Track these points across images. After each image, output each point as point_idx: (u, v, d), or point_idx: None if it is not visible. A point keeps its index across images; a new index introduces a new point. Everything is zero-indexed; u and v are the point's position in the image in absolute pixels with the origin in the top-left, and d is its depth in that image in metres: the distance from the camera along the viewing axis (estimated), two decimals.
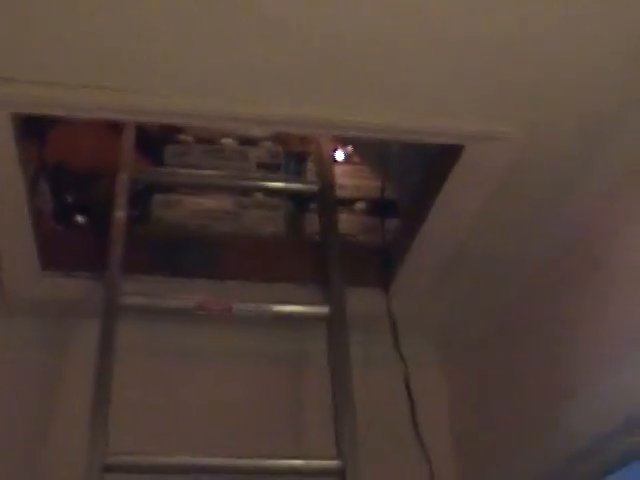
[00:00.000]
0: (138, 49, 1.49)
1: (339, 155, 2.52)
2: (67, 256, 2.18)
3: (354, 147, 2.40)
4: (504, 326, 2.15)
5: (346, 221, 2.40)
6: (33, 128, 2.24)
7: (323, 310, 2.07)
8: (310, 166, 2.50)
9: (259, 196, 2.40)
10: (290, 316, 2.12)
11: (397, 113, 1.63)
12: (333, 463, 1.85)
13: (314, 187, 2.29)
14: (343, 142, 2.47)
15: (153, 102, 1.58)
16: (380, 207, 2.34)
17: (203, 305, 2.02)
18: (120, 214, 2.15)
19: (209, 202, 2.38)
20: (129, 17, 1.42)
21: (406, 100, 1.61)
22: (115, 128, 2.36)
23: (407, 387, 2.12)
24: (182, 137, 2.49)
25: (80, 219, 2.43)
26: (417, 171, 2.04)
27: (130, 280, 2.10)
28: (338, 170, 2.46)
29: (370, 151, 2.18)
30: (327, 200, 2.25)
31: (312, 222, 2.40)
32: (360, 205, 2.46)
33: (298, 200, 2.47)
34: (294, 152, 2.54)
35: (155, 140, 2.53)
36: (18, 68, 1.53)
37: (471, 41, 1.48)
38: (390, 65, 1.53)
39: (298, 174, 2.52)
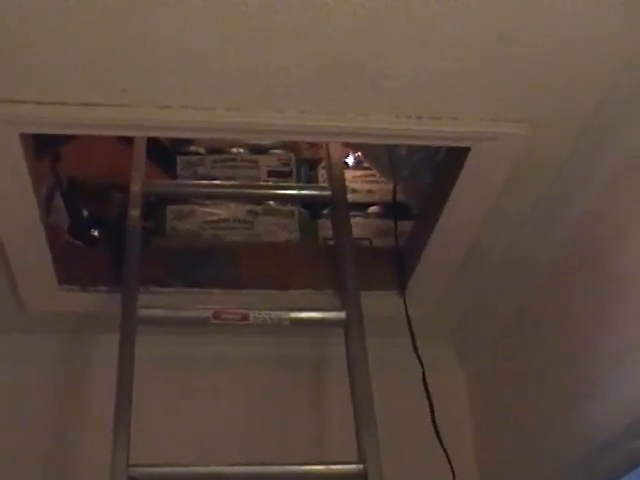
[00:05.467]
0: (141, 64, 1.50)
1: (350, 160, 2.54)
2: (83, 270, 2.20)
3: (363, 152, 2.41)
4: (520, 323, 2.15)
5: (360, 225, 2.42)
6: (45, 145, 2.28)
7: (340, 315, 2.07)
8: (321, 172, 2.52)
9: (272, 204, 2.42)
10: (307, 322, 2.12)
11: (400, 118, 1.63)
12: (355, 467, 1.85)
13: (326, 193, 2.29)
14: (353, 147, 2.48)
15: (159, 117, 1.59)
16: (393, 210, 2.34)
17: (219, 314, 2.02)
18: (134, 226, 2.16)
19: (222, 212, 2.39)
20: (131, 32, 1.43)
21: (409, 104, 1.62)
22: (127, 141, 2.38)
23: (425, 389, 2.11)
24: (193, 148, 2.51)
25: (96, 233, 2.44)
26: (426, 174, 2.05)
27: (147, 292, 2.12)
28: (350, 175, 2.48)
29: (379, 156, 2.19)
30: (340, 205, 2.25)
31: (326, 227, 2.42)
32: (373, 209, 2.47)
33: (311, 206, 2.48)
34: (305, 159, 2.56)
35: (167, 151, 2.54)
36: (24, 90, 1.54)
37: (471, 41, 1.48)
38: (393, 69, 1.53)
39: (310, 180, 2.54)
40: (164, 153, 2.54)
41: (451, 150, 1.86)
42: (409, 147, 2.05)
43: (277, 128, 1.65)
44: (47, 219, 2.25)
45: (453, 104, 1.62)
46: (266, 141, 2.46)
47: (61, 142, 2.45)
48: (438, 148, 1.95)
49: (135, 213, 2.20)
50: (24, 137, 1.68)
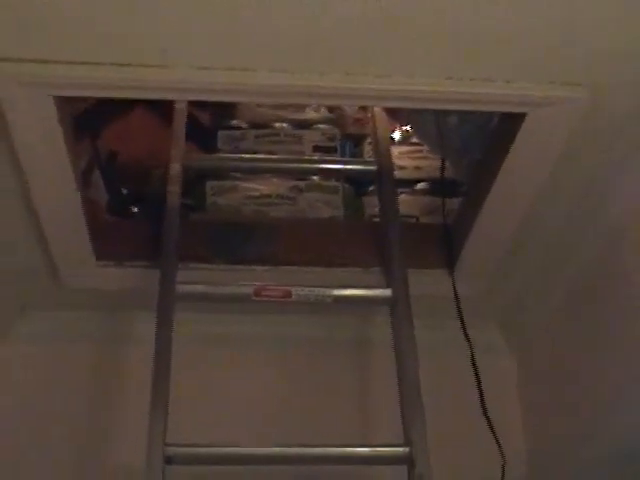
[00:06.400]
0: (176, 23, 1.43)
1: (397, 135, 2.47)
2: (122, 246, 2.14)
3: (412, 126, 2.33)
4: (574, 304, 2.06)
5: (407, 202, 2.37)
6: (85, 127, 2.29)
7: (386, 293, 1.99)
8: (367, 149, 2.45)
9: (316, 179, 2.35)
10: (351, 300, 2.04)
11: (452, 80, 1.54)
12: (402, 450, 1.78)
13: (372, 167, 2.22)
14: (401, 121, 2.41)
15: (197, 78, 1.52)
16: (441, 186, 2.25)
17: (260, 291, 1.95)
18: (173, 202, 2.10)
19: (264, 187, 2.34)
20: None
21: (461, 65, 1.53)
22: (167, 123, 2.32)
23: (474, 370, 2.03)
24: (235, 122, 2.45)
25: (135, 210, 2.40)
26: (477, 146, 1.96)
27: (186, 269, 2.06)
28: (397, 151, 2.44)
29: (427, 128, 2.10)
30: (386, 181, 2.18)
31: (371, 205, 2.35)
32: (421, 185, 2.41)
33: (357, 182, 2.42)
34: (350, 134, 2.50)
35: (208, 131, 2.49)
36: (54, 49, 1.47)
37: None
38: (444, 27, 1.45)
39: (354, 157, 2.48)
40: (204, 133, 2.49)
41: (504, 119, 1.78)
42: (459, 117, 1.97)
43: (321, 91, 1.57)
44: (85, 193, 2.22)
45: (508, 66, 1.53)
46: (310, 104, 2.39)
47: (101, 125, 2.43)
48: (490, 118, 1.87)
49: (174, 188, 2.14)
50: (58, 100, 1.61)
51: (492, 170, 1.83)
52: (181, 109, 2.29)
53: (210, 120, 2.51)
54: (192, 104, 2.35)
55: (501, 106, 1.64)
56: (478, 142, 1.95)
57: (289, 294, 1.96)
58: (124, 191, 2.46)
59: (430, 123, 2.05)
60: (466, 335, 2.05)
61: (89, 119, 2.39)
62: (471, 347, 2.04)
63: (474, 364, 2.04)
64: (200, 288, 1.99)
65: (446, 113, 1.98)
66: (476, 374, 2.03)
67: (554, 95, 1.58)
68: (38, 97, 1.58)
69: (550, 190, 1.83)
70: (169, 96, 1.58)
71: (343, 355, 2.28)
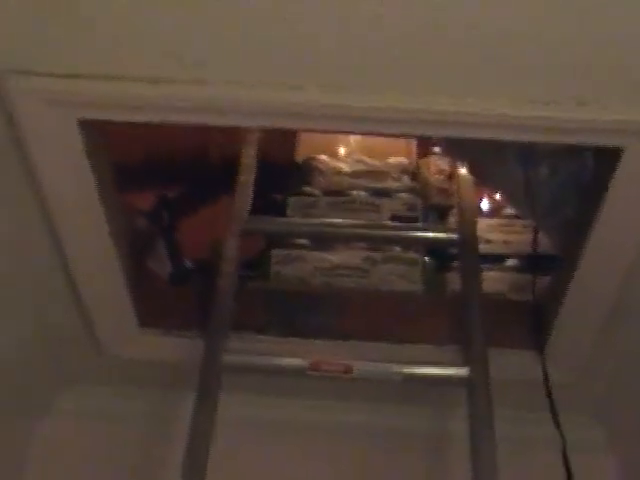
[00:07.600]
0: (213, 32, 1.26)
1: (485, 205, 2.24)
2: (169, 312, 1.96)
3: (496, 183, 2.09)
4: None
5: (494, 279, 2.12)
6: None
7: (462, 372, 1.73)
8: (452, 220, 2.22)
9: (393, 250, 2.12)
10: (423, 379, 1.78)
11: (538, 104, 1.31)
12: None
13: (453, 236, 1.99)
14: (487, 187, 2.19)
15: (241, 96, 1.32)
16: (532, 262, 2.02)
17: (318, 365, 1.72)
18: (228, 268, 1.90)
19: (335, 258, 2.11)
20: None
21: (538, 85, 1.30)
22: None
23: (567, 470, 1.73)
24: (308, 190, 2.25)
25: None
26: (569, 201, 1.71)
27: (239, 340, 1.85)
28: (484, 224, 2.21)
29: (514, 183, 1.85)
30: (469, 252, 1.94)
31: (455, 281, 2.10)
32: (511, 262, 2.15)
33: (440, 257, 2.18)
34: (434, 205, 2.29)
35: (279, 203, 2.29)
36: (80, 62, 1.31)
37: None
38: (515, 36, 1.24)
39: None
40: (276, 207, 2.30)
41: (599, 163, 1.52)
42: (550, 167, 1.72)
43: (374, 114, 1.35)
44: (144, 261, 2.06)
45: (596, 85, 1.29)
46: (362, 131, 2.16)
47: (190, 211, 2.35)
48: (585, 164, 1.61)
49: (231, 253, 1.93)
50: (84, 126, 1.43)
51: (585, 226, 1.58)
52: (245, 180, 2.10)
53: (283, 197, 2.32)
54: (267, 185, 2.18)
55: (589, 137, 1.37)
56: (570, 195, 1.69)
57: (350, 369, 1.72)
58: (188, 264, 2.27)
59: (517, 176, 1.81)
60: (558, 428, 1.77)
61: (178, 205, 2.33)
62: (564, 443, 1.76)
63: (567, 464, 1.75)
64: (249, 359, 1.77)
65: (536, 164, 1.73)
66: (568, 472, 1.73)
67: None
68: (62, 122, 1.41)
69: None
70: (210, 120, 1.38)
71: (411, 447, 2.01)
